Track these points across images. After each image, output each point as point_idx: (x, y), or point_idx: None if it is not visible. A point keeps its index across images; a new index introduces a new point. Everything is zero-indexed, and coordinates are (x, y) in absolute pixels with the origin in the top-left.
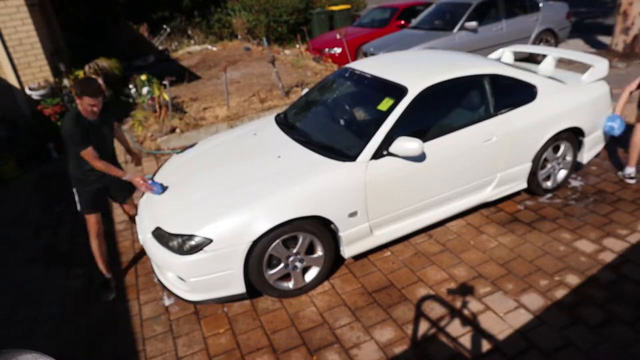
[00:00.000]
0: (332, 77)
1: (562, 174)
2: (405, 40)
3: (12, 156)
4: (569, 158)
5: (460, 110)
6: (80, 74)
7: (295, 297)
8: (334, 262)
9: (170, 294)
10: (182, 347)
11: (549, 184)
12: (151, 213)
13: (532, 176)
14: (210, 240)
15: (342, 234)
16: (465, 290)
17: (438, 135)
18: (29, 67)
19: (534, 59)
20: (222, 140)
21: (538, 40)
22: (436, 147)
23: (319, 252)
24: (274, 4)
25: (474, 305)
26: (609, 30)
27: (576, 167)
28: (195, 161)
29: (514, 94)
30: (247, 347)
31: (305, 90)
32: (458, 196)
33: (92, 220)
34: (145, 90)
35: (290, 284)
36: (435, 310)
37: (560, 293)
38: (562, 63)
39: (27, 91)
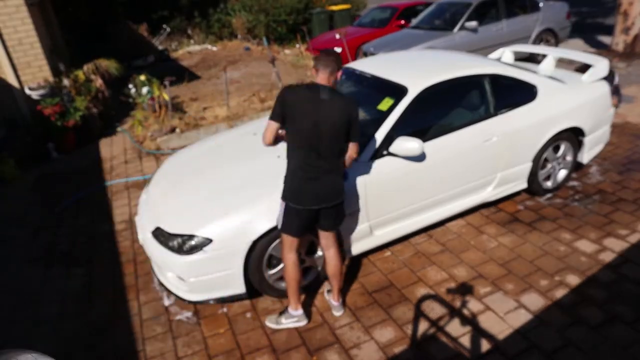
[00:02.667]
0: None
1: (562, 174)
2: (406, 40)
3: (11, 156)
4: (569, 158)
5: (461, 110)
6: (79, 73)
7: None
8: None
9: (170, 294)
10: (182, 347)
11: (549, 184)
12: (151, 213)
13: (533, 176)
14: (210, 240)
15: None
16: (465, 290)
17: (438, 135)
18: (29, 67)
19: (534, 58)
20: (222, 140)
21: (538, 40)
22: (436, 147)
23: (319, 252)
24: (274, 4)
25: (474, 305)
26: (609, 30)
27: (576, 167)
28: (195, 161)
29: (514, 93)
30: (247, 347)
31: None
32: (458, 196)
33: None
34: (145, 90)
35: None
36: (435, 310)
37: (560, 293)
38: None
39: (27, 91)
